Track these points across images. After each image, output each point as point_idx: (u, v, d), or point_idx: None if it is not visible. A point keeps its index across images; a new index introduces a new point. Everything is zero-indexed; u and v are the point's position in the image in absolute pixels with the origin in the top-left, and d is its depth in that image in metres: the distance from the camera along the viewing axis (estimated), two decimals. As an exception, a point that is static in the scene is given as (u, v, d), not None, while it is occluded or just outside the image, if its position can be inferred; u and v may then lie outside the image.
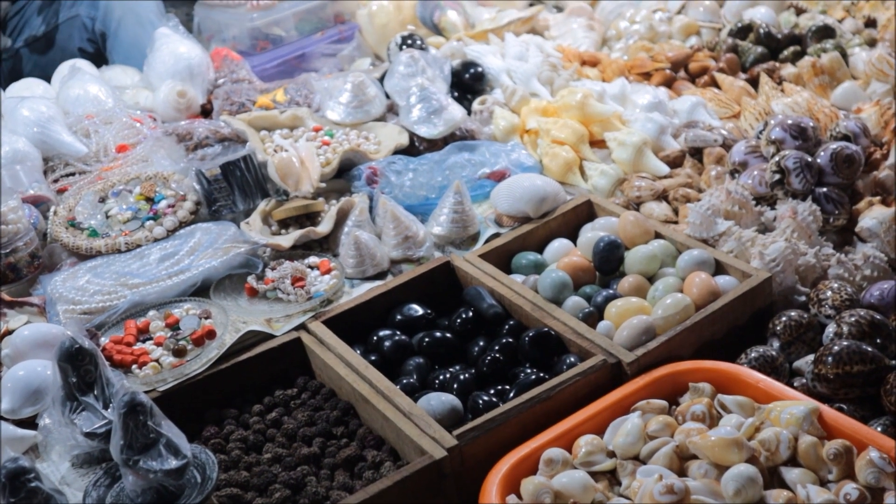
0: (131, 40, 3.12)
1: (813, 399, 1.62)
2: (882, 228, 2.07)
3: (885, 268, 2.00)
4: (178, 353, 1.91)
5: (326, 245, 2.24)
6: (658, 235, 2.08)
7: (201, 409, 1.88)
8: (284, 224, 2.27)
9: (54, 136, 2.50)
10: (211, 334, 1.95)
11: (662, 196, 2.28)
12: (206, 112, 2.76)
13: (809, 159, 2.15)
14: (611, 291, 1.96)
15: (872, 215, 2.10)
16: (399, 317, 2.00)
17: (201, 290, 2.10)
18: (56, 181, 2.45)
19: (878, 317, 1.77)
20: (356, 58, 3.09)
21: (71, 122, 2.58)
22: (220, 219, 2.29)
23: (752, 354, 1.78)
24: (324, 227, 2.21)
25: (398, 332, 1.95)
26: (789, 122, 2.24)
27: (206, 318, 2.00)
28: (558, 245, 2.14)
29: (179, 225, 2.25)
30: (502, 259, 2.12)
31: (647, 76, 2.79)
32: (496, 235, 2.19)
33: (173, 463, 1.49)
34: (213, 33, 3.20)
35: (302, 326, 1.98)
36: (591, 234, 2.10)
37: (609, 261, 2.03)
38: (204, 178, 2.30)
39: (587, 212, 2.22)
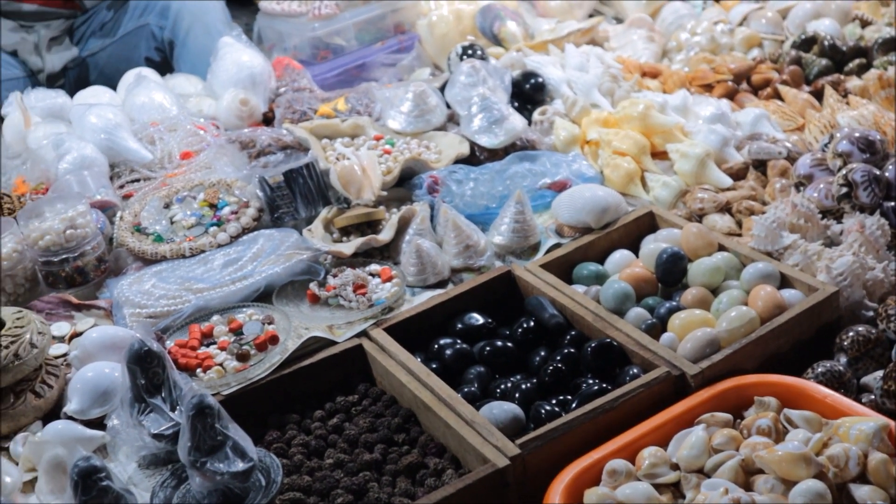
0: (199, 49, 3.17)
1: (882, 416, 1.60)
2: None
3: (956, 284, 1.97)
4: (242, 357, 1.94)
5: (387, 253, 2.25)
6: (721, 248, 2.07)
7: (264, 414, 1.90)
8: (346, 231, 2.30)
9: (120, 143, 2.55)
10: (274, 340, 1.97)
11: (725, 208, 2.26)
12: (267, 120, 2.79)
13: (878, 173, 2.13)
14: (674, 303, 1.95)
15: (942, 230, 2.07)
16: (460, 325, 2.00)
17: (264, 296, 2.12)
18: (122, 187, 2.49)
19: (949, 333, 1.75)
20: (416, 68, 3.11)
21: (136, 129, 2.63)
22: (282, 226, 2.31)
23: (819, 369, 1.76)
24: (385, 235, 2.22)
25: (459, 341, 1.96)
26: (856, 134, 2.22)
27: (269, 324, 2.02)
28: (620, 256, 2.13)
29: (242, 231, 2.28)
30: (563, 269, 2.12)
31: (708, 88, 2.77)
32: (557, 246, 2.20)
33: (240, 465, 1.51)
34: (275, 42, 3.24)
35: (363, 333, 2.00)
36: (654, 245, 2.09)
37: (672, 272, 2.02)
38: (267, 185, 2.33)
39: (649, 223, 2.22)
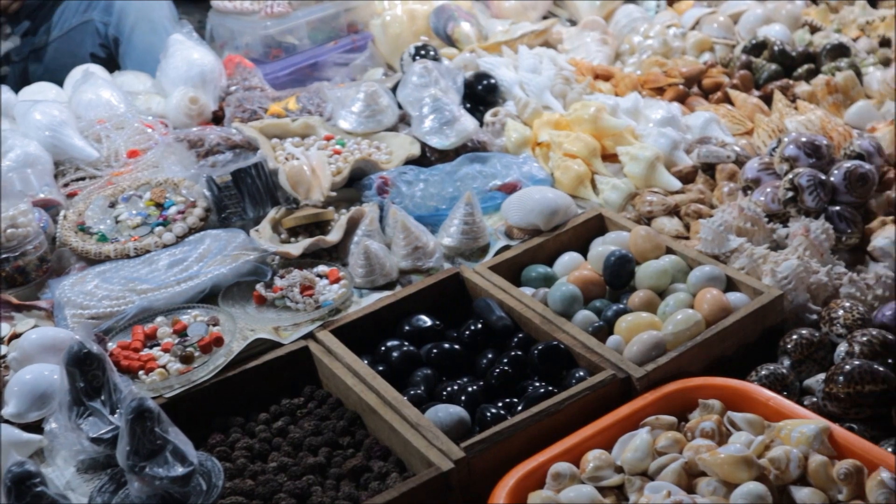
0: (144, 46, 3.13)
1: (823, 418, 1.61)
2: (895, 248, 2.07)
3: (898, 287, 2.00)
4: (186, 359, 1.91)
5: (336, 254, 2.24)
6: (669, 251, 2.08)
7: (207, 417, 1.88)
8: (294, 232, 2.28)
9: (66, 140, 2.51)
10: (219, 341, 1.95)
11: (674, 211, 2.28)
12: (217, 119, 2.77)
13: (823, 177, 2.15)
14: (621, 306, 1.96)
15: (885, 235, 2.10)
16: (407, 327, 2.00)
17: (210, 297, 2.10)
18: (66, 185, 2.46)
19: (889, 337, 1.77)
20: (368, 67, 3.09)
21: (82, 127, 2.59)
22: (229, 226, 2.29)
23: (763, 372, 1.78)
24: (333, 236, 2.21)
25: (406, 343, 1.95)
26: (803, 139, 2.24)
27: (214, 325, 2.00)
28: (568, 258, 2.13)
29: (189, 231, 2.25)
30: (512, 271, 2.12)
31: (660, 91, 2.79)
32: (506, 248, 2.19)
33: (179, 470, 1.49)
34: (226, 40, 3.21)
35: (310, 335, 1.98)
36: (602, 247, 2.10)
37: (620, 275, 2.02)
38: (214, 185, 2.30)
39: (598, 226, 2.22)
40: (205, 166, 2.44)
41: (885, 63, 2.78)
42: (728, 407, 1.69)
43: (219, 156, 2.49)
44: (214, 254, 2.16)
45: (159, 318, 2.03)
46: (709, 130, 2.55)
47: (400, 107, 2.66)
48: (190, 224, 2.27)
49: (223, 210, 2.31)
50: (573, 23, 3.31)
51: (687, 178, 2.40)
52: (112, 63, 3.26)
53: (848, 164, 2.17)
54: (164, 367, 1.91)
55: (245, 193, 2.31)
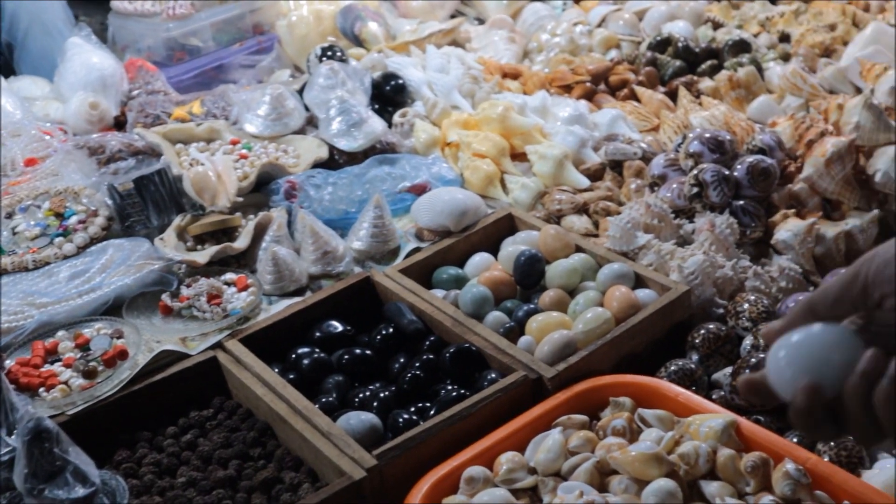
0: (40, 50, 3.05)
1: (731, 412, 1.63)
2: (797, 241, 2.11)
3: (800, 279, 2.04)
4: (89, 374, 1.86)
5: (244, 261, 2.20)
6: (579, 249, 2.08)
7: (113, 433, 1.83)
8: (200, 240, 2.23)
9: (-41, 150, 2.43)
10: (123, 354, 1.90)
11: (583, 209, 2.29)
12: (119, 124, 2.70)
13: (727, 172, 2.18)
14: (532, 306, 1.96)
15: (787, 227, 2.14)
16: (318, 334, 1.97)
17: (113, 309, 2.04)
18: (-40, 196, 2.37)
19: (793, 329, 1.79)
20: (275, 69, 3.06)
21: (-24, 136, 2.51)
22: (133, 235, 2.24)
23: (672, 368, 1.79)
24: (241, 243, 2.18)
25: (317, 350, 1.92)
26: (707, 135, 2.27)
27: (118, 338, 1.95)
28: (479, 259, 2.13)
29: (91, 241, 2.19)
30: (423, 274, 2.11)
31: (567, 89, 2.80)
32: (417, 250, 2.18)
33: (80, 491, 1.44)
34: (128, 43, 3.14)
35: (218, 345, 1.94)
36: (512, 248, 2.10)
37: (530, 275, 2.03)
38: (116, 193, 2.25)
39: (508, 225, 2.22)
40: (106, 174, 2.37)
41: (785, 58, 2.84)
42: (639, 404, 1.70)
43: (121, 163, 2.42)
44: (118, 264, 2.10)
45: (60, 333, 1.97)
46: (616, 127, 2.57)
47: (307, 109, 2.63)
48: (91, 234, 2.21)
49: (126, 219, 2.25)
50: (481, 21, 3.31)
51: (595, 175, 2.42)
52: (7, 69, 3.16)
53: (750, 158, 2.21)
54: (65, 383, 1.85)
55: (149, 201, 2.26)
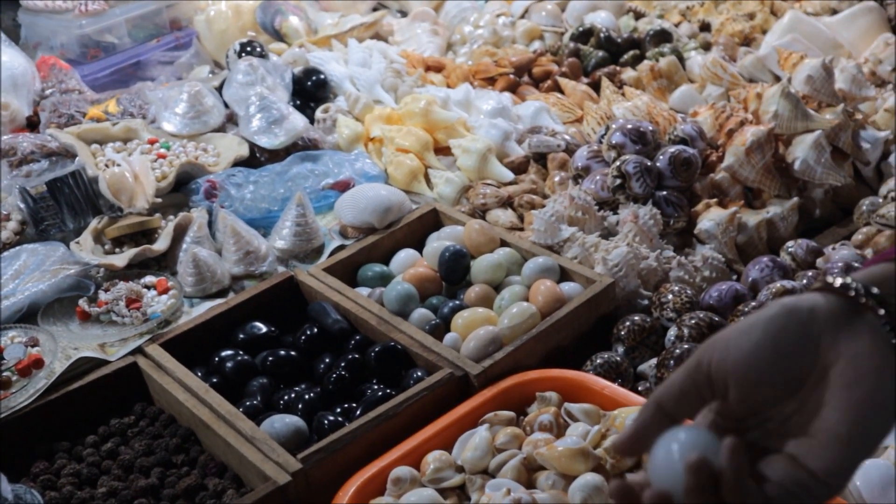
0: (-57, 49, 2.95)
1: (656, 403, 1.64)
2: (719, 230, 2.13)
3: (724, 268, 2.06)
4: (2, 384, 1.81)
5: (164, 263, 2.17)
6: (504, 243, 2.08)
7: (30, 444, 1.78)
8: (118, 242, 2.19)
9: None
10: (38, 363, 1.85)
11: (508, 203, 2.29)
12: (32, 125, 2.63)
13: (649, 163, 2.19)
14: (457, 302, 1.95)
15: (710, 217, 2.16)
16: (242, 336, 1.94)
17: (28, 317, 1.99)
18: None
19: (716, 318, 1.82)
20: (194, 65, 3.00)
21: None
22: (48, 239, 2.18)
23: (598, 361, 1.80)
24: (160, 245, 2.14)
25: (241, 352, 1.89)
26: (629, 126, 2.28)
27: (34, 346, 1.90)
28: (404, 256, 2.12)
29: (3, 247, 2.14)
30: (348, 272, 2.09)
31: (491, 81, 2.80)
32: (341, 248, 2.16)
33: (-8, 507, 1.40)
34: (41, 41, 3.06)
35: (139, 350, 1.91)
36: (437, 243, 2.09)
37: (455, 270, 2.02)
38: (29, 196, 2.19)
39: (433, 221, 2.21)
40: (18, 176, 2.31)
41: (706, 47, 2.87)
42: (566, 398, 1.70)
43: (34, 165, 2.36)
44: (32, 269, 2.05)
45: (-28, 342, 1.92)
46: (539, 119, 2.57)
47: (227, 106, 2.59)
48: (4, 239, 2.15)
49: (40, 223, 2.20)
50: (403, 14, 3.29)
51: (519, 168, 2.41)
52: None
53: (672, 149, 2.22)
54: (-22, 394, 1.80)
55: (63, 204, 2.20)
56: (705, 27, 3.00)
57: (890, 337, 0.82)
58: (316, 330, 1.92)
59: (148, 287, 2.06)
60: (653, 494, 0.83)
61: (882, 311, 0.83)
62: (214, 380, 1.84)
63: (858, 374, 0.80)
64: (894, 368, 0.80)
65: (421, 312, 1.93)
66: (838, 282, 0.86)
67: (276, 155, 2.44)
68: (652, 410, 0.87)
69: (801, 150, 2.30)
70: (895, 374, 0.80)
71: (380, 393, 1.76)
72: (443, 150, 2.48)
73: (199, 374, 1.85)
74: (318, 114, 2.63)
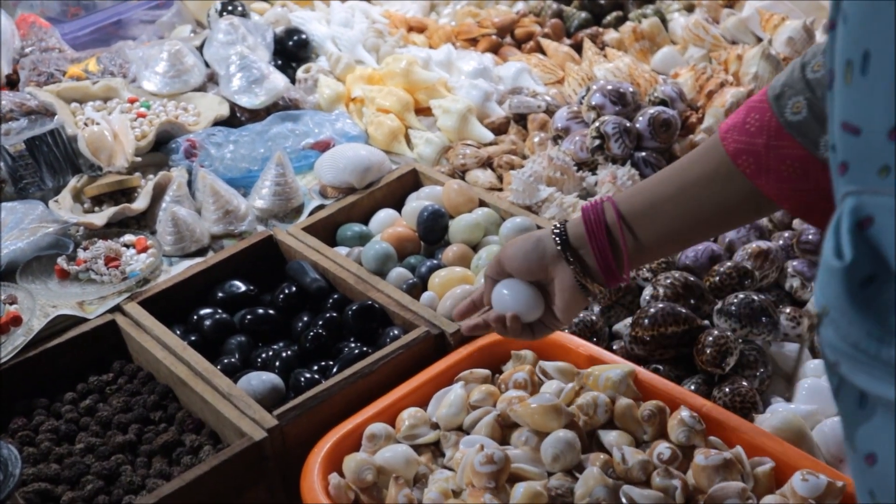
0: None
1: (630, 362, 1.65)
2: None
3: (701, 229, 2.06)
4: (-19, 342, 1.81)
5: (143, 222, 2.17)
6: (482, 203, 2.08)
7: (9, 401, 1.79)
8: (98, 201, 2.18)
9: None
10: (17, 320, 1.85)
11: (487, 163, 2.28)
12: (11, 83, 2.61)
13: (628, 124, 2.19)
14: (435, 262, 1.96)
15: (688, 178, 2.16)
16: (220, 294, 1.95)
17: (7, 274, 1.99)
18: None
19: (691, 278, 1.82)
20: (176, 24, 2.97)
21: None
22: (27, 197, 2.17)
23: (573, 320, 1.80)
24: (140, 204, 2.13)
25: (219, 311, 1.90)
26: (609, 87, 2.28)
27: (12, 304, 1.90)
28: (384, 215, 2.12)
29: (-18, 205, 2.12)
30: (327, 232, 2.09)
31: (474, 42, 2.79)
32: (320, 207, 2.16)
33: (-33, 462, 1.40)
34: (20, -1, 3.03)
35: (117, 308, 1.91)
36: (416, 203, 2.09)
37: (433, 230, 2.02)
38: (8, 155, 2.18)
39: (413, 181, 2.21)
40: (-3, 135, 2.30)
41: (689, 9, 2.86)
42: (540, 357, 1.70)
43: (12, 123, 2.34)
44: (10, 228, 2.04)
45: (-49, 300, 1.91)
46: (521, 81, 2.57)
47: (207, 66, 2.58)
48: (-18, 197, 2.14)
49: (19, 181, 2.19)
50: (387, -26, 3.26)
51: (499, 129, 2.41)
52: None
53: (652, 110, 2.22)
54: (-44, 351, 1.80)
55: (42, 162, 2.19)
56: (689, -12, 2.98)
57: (576, 276, 1.35)
58: (294, 289, 1.93)
59: (127, 246, 2.06)
60: (495, 316, 1.43)
61: (570, 260, 1.34)
62: (193, 338, 1.84)
63: (561, 289, 1.37)
64: (577, 292, 1.36)
65: (399, 272, 1.93)
66: (556, 228, 1.35)
67: (256, 115, 2.43)
68: (495, 267, 1.43)
69: (780, 112, 2.30)
70: (577, 295, 1.37)
71: (356, 351, 1.76)
72: (423, 111, 2.48)
73: (178, 332, 1.86)
74: (300, 74, 2.62)
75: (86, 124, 2.31)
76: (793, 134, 1.18)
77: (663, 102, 2.30)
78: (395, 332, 1.79)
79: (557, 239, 1.34)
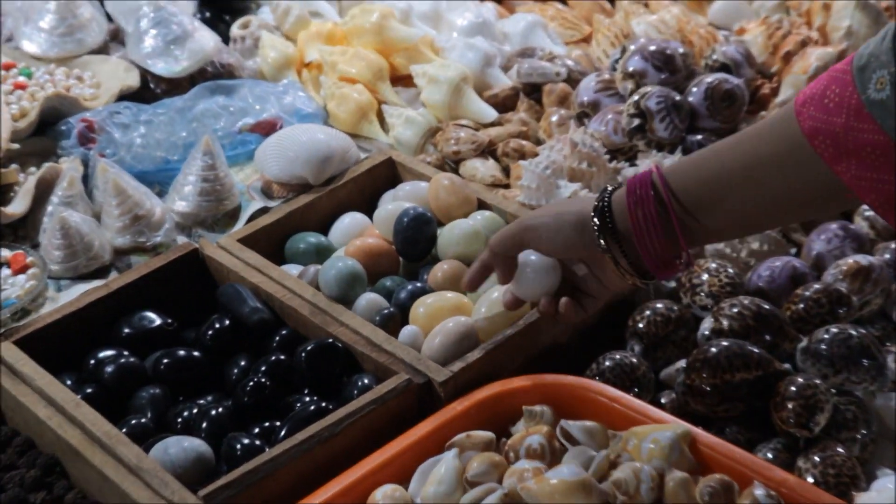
0: None
1: (684, 421, 1.64)
2: (774, 187, 2.12)
3: (778, 238, 2.05)
4: None
5: (23, 232, 2.18)
6: (483, 205, 2.08)
7: None
8: (-40, 204, 2.19)
9: None
10: None
11: (489, 151, 2.28)
12: None
13: (678, 98, 2.19)
14: (419, 285, 1.95)
15: (761, 169, 2.15)
16: (127, 330, 1.94)
17: None
18: None
19: (766, 306, 1.81)
20: (68, -36, 2.98)
21: None
22: None
23: (607, 363, 1.79)
24: (17, 207, 2.15)
25: (125, 353, 1.90)
26: (652, 48, 2.28)
27: None
28: (349, 222, 2.12)
29: None
30: (272, 244, 2.09)
31: (470, -13, 2.79)
32: (264, 211, 2.17)
33: None
34: None
35: (-13, 350, 1.90)
36: (393, 205, 2.08)
37: (416, 241, 2.01)
38: None
39: (388, 175, 2.21)
40: None
41: (759, -56, 2.85)
42: (562, 414, 1.69)
43: None
44: None
45: None
46: (533, 39, 2.58)
47: (110, 20, 2.61)
48: None
49: None
50: None
51: (505, 104, 2.42)
52: None
53: (710, 78, 2.23)
54: None
55: None
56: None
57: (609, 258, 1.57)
58: (227, 322, 1.92)
59: (0, 264, 2.06)
60: (512, 300, 1.72)
61: (602, 241, 1.55)
62: (89, 390, 1.84)
63: (603, 272, 1.63)
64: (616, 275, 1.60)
65: (370, 298, 1.93)
66: (597, 205, 1.57)
67: (176, 85, 2.45)
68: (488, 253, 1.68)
69: (882, 81, 2.29)
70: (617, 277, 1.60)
71: (312, 407, 1.75)
72: (402, 80, 2.50)
73: (69, 382, 1.85)
74: (235, 30, 2.64)
75: (-54, 100, 2.32)
76: (874, 114, 1.25)
77: (724, 68, 2.30)
78: (365, 380, 1.78)
79: (597, 220, 1.55)
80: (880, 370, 1.71)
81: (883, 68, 1.24)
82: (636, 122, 2.17)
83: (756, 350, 1.72)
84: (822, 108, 1.30)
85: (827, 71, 1.33)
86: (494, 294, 1.86)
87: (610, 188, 1.58)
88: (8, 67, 2.44)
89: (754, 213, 1.47)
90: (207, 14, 2.65)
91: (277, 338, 1.89)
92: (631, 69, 2.25)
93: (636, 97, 2.19)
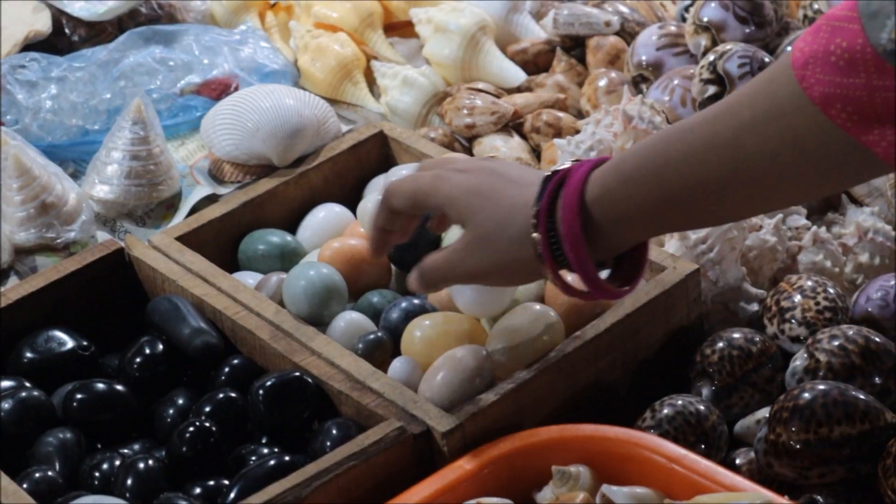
0: None
1: (765, 489, 1.65)
2: (889, 182, 2.14)
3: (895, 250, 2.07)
4: None
5: None
6: (503, 197, 2.09)
7: None
8: None
9: None
10: None
11: (514, 125, 2.31)
12: None
13: (767, 59, 2.21)
14: (416, 302, 1.96)
15: (874, 157, 2.17)
16: (30, 354, 1.97)
17: None
18: None
19: (877, 339, 1.81)
20: None
21: None
22: None
23: (665, 411, 1.80)
24: None
25: (27, 384, 1.93)
26: (734, -8, 2.30)
27: None
28: (325, 217, 2.15)
29: None
30: (223, 244, 2.12)
31: None
32: (212, 200, 2.20)
33: None
34: None
35: None
36: (384, 196, 2.10)
37: (414, 245, 2.01)
38: None
39: (379, 155, 2.24)
40: None
41: None
42: (603, 477, 1.70)
43: None
44: None
45: None
46: (574, -22, 2.60)
47: (13, -54, 2.61)
48: None
49: None
50: None
51: (537, 63, 2.45)
52: None
53: (809, 34, 2.23)
54: None
55: None
56: None
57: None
58: (161, 347, 1.95)
59: None
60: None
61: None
62: (-22, 433, 1.85)
63: None
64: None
65: (350, 319, 1.94)
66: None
67: (100, 31, 2.50)
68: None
69: None
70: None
71: (272, 461, 1.77)
72: (399, 28, 2.54)
73: None
74: None
75: None
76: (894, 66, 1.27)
77: (830, 20, 2.30)
78: (343, 428, 1.80)
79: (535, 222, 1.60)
80: None
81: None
82: (711, 90, 2.20)
83: (862, 397, 1.73)
84: (832, 67, 1.30)
85: (821, 21, 1.33)
86: (517, 317, 1.87)
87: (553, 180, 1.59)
88: None
89: (747, 210, 1.64)
90: (140, -60, 2.68)
91: (227, 369, 1.91)
92: (706, 20, 2.28)
93: (712, 57, 2.20)
